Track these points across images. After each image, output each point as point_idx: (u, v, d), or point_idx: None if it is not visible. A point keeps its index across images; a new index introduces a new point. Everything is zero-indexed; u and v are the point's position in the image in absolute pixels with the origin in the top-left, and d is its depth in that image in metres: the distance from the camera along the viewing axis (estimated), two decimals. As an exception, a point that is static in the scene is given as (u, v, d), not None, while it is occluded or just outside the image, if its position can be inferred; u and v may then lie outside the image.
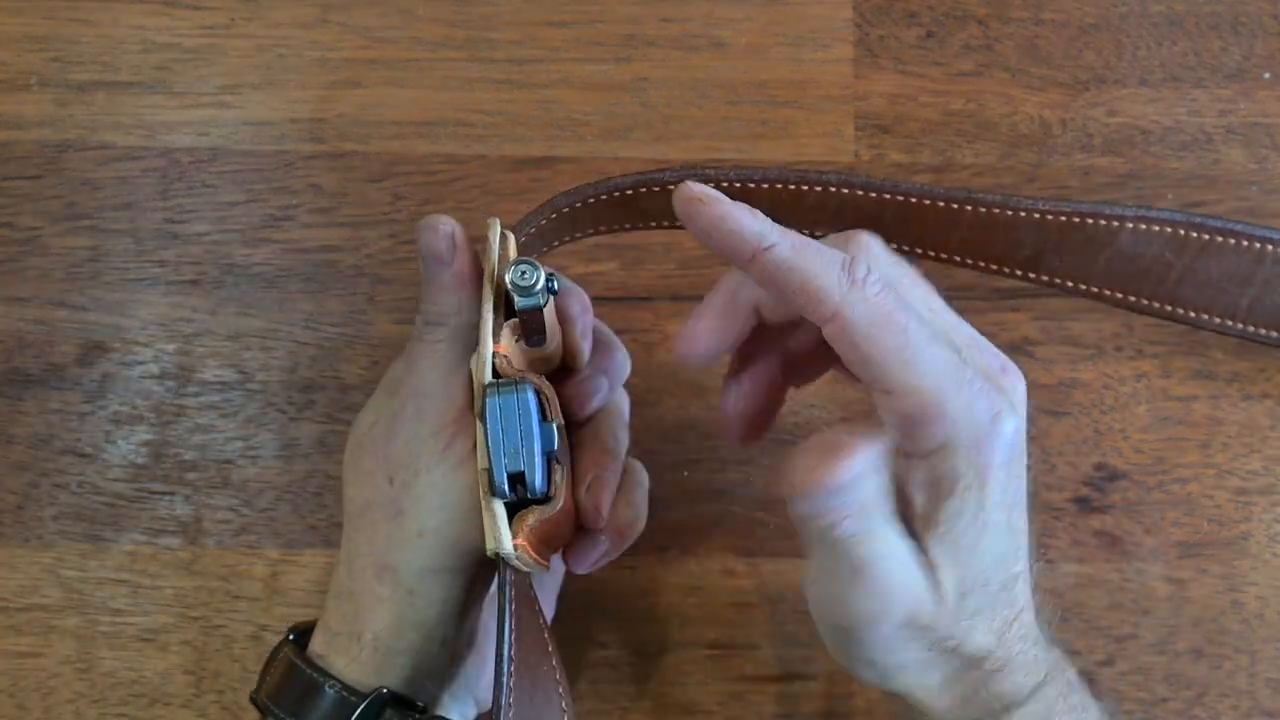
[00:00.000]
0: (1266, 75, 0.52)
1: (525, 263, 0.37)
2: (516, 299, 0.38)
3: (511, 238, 0.40)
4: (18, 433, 0.49)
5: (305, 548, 0.48)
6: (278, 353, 0.50)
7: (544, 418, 0.36)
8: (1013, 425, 0.35)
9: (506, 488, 0.36)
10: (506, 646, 0.36)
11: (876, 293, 0.35)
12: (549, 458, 0.36)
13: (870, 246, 0.37)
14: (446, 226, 0.40)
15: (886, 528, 0.35)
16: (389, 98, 0.51)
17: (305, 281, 0.50)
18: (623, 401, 0.45)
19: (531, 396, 0.36)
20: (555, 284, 0.39)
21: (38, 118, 0.51)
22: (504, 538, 0.35)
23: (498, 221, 0.39)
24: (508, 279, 0.37)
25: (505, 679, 0.36)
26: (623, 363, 0.44)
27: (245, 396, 0.49)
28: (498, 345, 0.38)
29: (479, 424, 0.37)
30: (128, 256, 0.50)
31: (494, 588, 0.43)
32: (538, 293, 0.37)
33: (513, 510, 0.36)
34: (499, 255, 0.39)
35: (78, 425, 0.49)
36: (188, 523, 0.48)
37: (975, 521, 0.35)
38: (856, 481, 0.34)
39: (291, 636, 0.42)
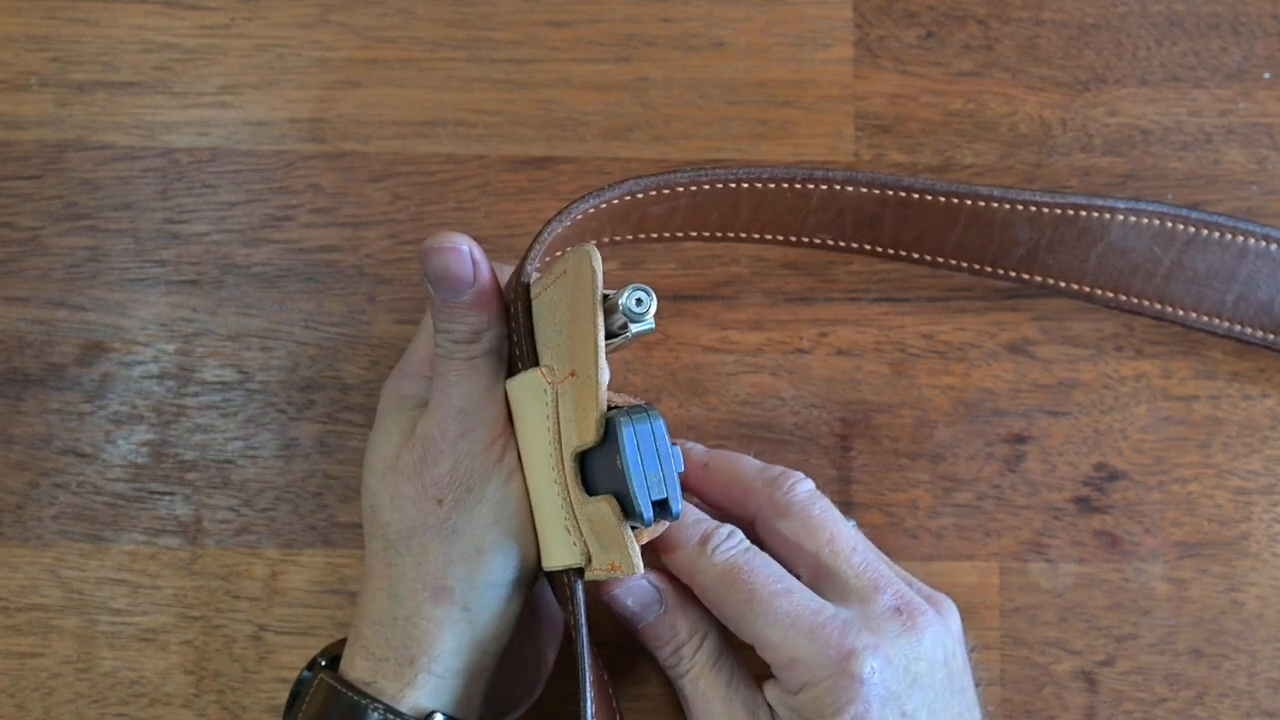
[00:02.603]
0: (1266, 75, 0.52)
1: (640, 289, 0.37)
2: (631, 325, 0.37)
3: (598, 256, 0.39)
4: (18, 433, 0.49)
5: (305, 548, 0.48)
6: (278, 353, 0.50)
7: (670, 441, 0.37)
8: (870, 665, 0.37)
9: (651, 514, 0.36)
10: (586, 664, 0.38)
11: (726, 557, 0.39)
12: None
13: (796, 486, 0.41)
14: (464, 245, 0.39)
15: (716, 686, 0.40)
16: (389, 98, 0.51)
17: (305, 281, 0.50)
18: None
19: (661, 421, 0.36)
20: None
21: (38, 118, 0.51)
22: (639, 561, 0.36)
23: (595, 249, 0.37)
24: (621, 305, 0.36)
25: (586, 689, 0.37)
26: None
27: (245, 396, 0.49)
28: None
29: (574, 460, 0.37)
30: (128, 256, 0.50)
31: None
32: (651, 318, 0.37)
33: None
34: (602, 280, 0.38)
35: (78, 425, 0.49)
36: (188, 523, 0.48)
37: None
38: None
39: (324, 662, 0.42)
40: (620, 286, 0.37)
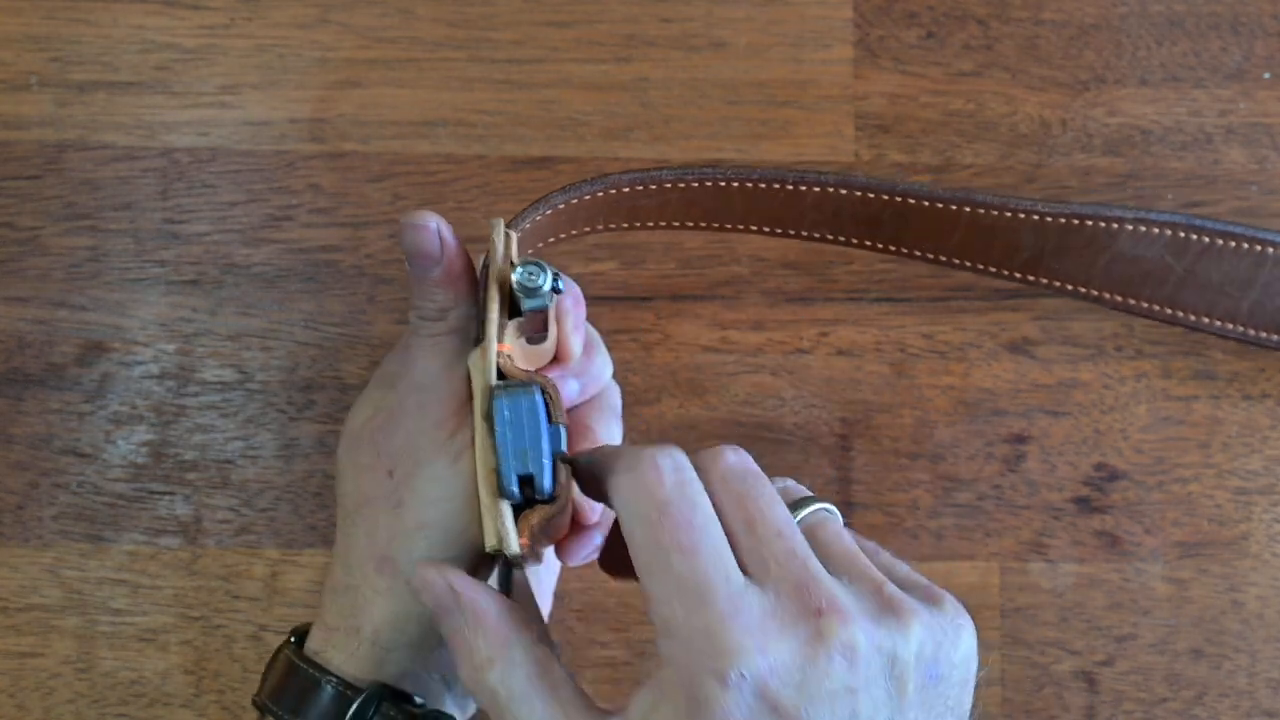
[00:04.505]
0: (1266, 75, 0.52)
1: (532, 264, 0.37)
2: (523, 300, 0.37)
3: (514, 236, 0.40)
4: (18, 433, 0.49)
5: (305, 548, 0.48)
6: (278, 353, 0.50)
7: (550, 419, 0.36)
8: (742, 671, 0.30)
9: (516, 490, 0.36)
10: None
11: (649, 481, 0.33)
12: (555, 458, 0.36)
13: (723, 453, 0.35)
14: (431, 222, 0.39)
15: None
16: (389, 98, 0.51)
17: (305, 281, 0.50)
18: (614, 396, 0.45)
19: (539, 398, 0.36)
20: (560, 284, 0.38)
21: (38, 118, 0.51)
22: (511, 539, 0.35)
23: (501, 222, 0.39)
24: (513, 280, 0.37)
25: None
26: (602, 366, 0.44)
27: (245, 396, 0.49)
28: (501, 344, 0.37)
29: (483, 424, 0.37)
30: (128, 256, 0.50)
31: (492, 580, 0.43)
32: (545, 294, 0.37)
33: (516, 509, 0.36)
34: (503, 254, 0.39)
35: (78, 425, 0.49)
36: (188, 523, 0.48)
37: None
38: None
39: (292, 638, 0.42)
40: (522, 263, 0.37)
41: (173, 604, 0.48)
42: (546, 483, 0.36)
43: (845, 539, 0.35)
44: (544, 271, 0.37)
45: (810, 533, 0.34)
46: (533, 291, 0.37)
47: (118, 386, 0.49)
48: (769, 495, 0.34)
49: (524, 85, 0.52)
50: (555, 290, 0.38)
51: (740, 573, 0.32)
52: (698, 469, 0.34)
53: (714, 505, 0.34)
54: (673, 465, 0.33)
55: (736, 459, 0.35)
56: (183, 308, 0.50)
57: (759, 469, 0.35)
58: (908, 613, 0.32)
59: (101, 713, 0.47)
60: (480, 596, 0.36)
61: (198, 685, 0.47)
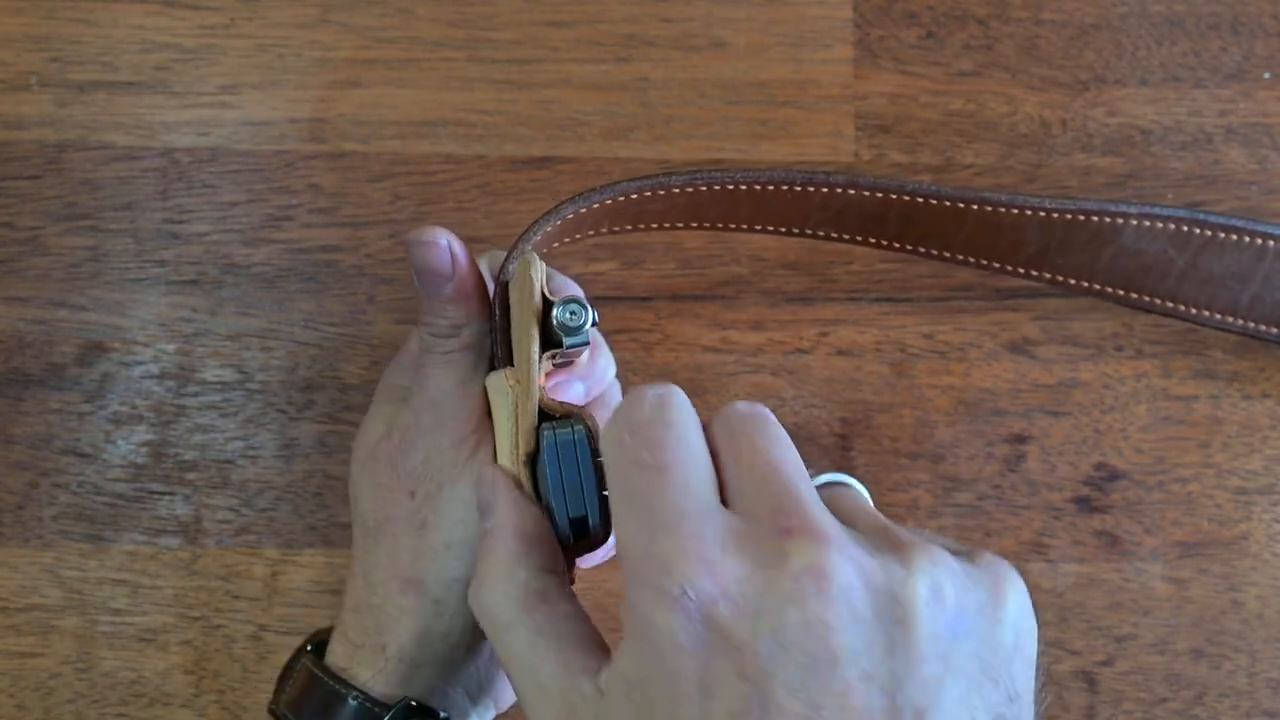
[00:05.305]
0: (1266, 75, 0.52)
1: (574, 302, 0.37)
2: (565, 338, 0.37)
3: (544, 267, 0.38)
4: (18, 433, 0.49)
5: (305, 548, 0.48)
6: (278, 353, 0.50)
7: (595, 455, 0.36)
8: (685, 587, 0.26)
9: (569, 531, 0.35)
10: None
11: (643, 407, 0.30)
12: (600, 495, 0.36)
13: (738, 401, 0.31)
14: (442, 239, 0.39)
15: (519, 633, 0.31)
16: (389, 98, 0.51)
17: (305, 281, 0.50)
18: (617, 396, 0.45)
19: (584, 430, 0.36)
20: (597, 315, 0.38)
21: (38, 118, 0.51)
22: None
23: (536, 257, 0.38)
24: (555, 319, 0.36)
25: None
26: (605, 366, 0.44)
27: (245, 396, 0.49)
28: (540, 378, 0.37)
29: (525, 465, 0.36)
30: (128, 256, 0.50)
31: None
32: (586, 332, 0.37)
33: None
34: (540, 290, 0.38)
35: (78, 425, 0.49)
36: (188, 523, 0.48)
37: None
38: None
39: (309, 648, 0.42)
40: (577, 295, 0.37)
41: (173, 604, 0.48)
42: (596, 520, 0.35)
43: (872, 508, 0.30)
44: (585, 310, 0.36)
45: (829, 499, 0.30)
46: (575, 330, 0.37)
47: (118, 386, 0.49)
48: (773, 435, 0.30)
49: (524, 85, 0.52)
50: (594, 325, 0.37)
51: (716, 499, 0.28)
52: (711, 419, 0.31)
53: (710, 447, 0.30)
54: (657, 394, 0.30)
55: (746, 405, 0.31)
56: (183, 308, 0.50)
57: (774, 418, 0.31)
58: (917, 549, 0.27)
59: (101, 713, 0.47)
60: (507, 510, 0.33)
61: (198, 685, 0.47)
